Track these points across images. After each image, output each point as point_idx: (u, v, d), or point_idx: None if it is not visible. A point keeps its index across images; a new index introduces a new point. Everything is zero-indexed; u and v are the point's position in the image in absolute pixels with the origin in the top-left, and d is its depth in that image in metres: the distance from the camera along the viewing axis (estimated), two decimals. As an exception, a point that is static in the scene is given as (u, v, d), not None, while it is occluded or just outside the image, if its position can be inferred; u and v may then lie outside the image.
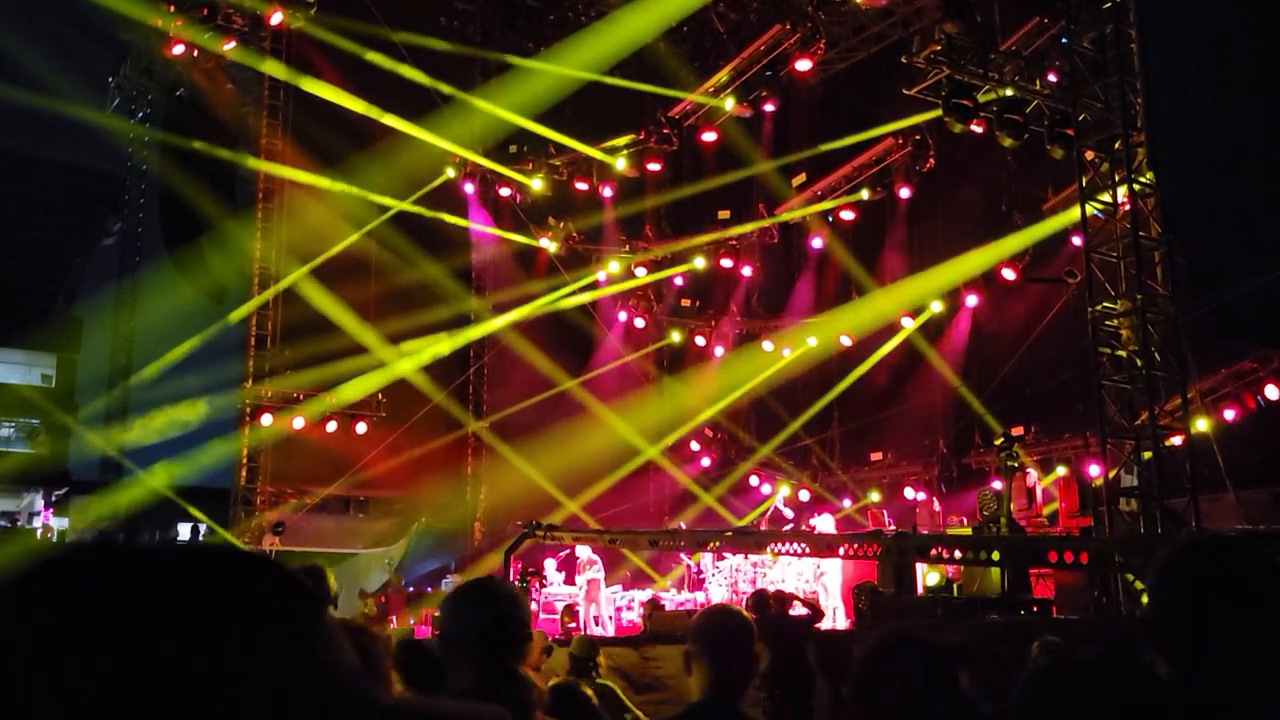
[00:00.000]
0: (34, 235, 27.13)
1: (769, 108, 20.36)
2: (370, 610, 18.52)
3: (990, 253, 20.26)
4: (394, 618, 18.27)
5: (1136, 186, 13.39)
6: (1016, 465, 16.52)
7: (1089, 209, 13.79)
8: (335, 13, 21.06)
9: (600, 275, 24.71)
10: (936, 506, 18.10)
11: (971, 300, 20.80)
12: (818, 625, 10.50)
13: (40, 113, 25.65)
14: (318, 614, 0.84)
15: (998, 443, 17.53)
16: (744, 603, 11.80)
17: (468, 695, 2.68)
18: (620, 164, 22.36)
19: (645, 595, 16.80)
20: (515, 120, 22.38)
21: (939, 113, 16.45)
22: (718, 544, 14.44)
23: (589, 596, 16.19)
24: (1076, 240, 16.14)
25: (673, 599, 16.62)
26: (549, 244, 24.34)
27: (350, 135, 22.05)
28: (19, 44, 23.59)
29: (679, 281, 25.14)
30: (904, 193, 21.08)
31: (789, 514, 17.91)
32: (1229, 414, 16.00)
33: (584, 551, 16.53)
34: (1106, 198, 13.66)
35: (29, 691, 0.74)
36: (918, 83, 16.95)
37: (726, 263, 24.16)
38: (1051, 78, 16.44)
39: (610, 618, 16.30)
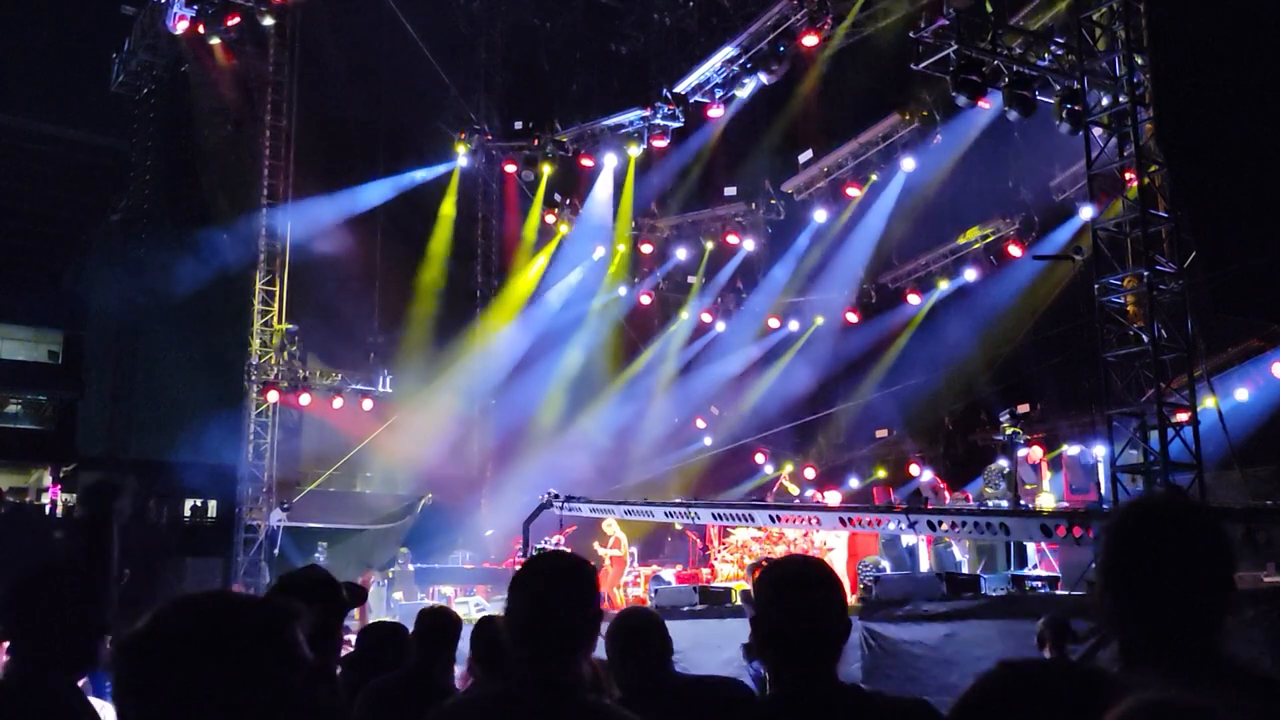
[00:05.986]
0: (40, 212, 27.14)
1: (770, 81, 20.19)
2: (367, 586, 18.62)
3: (997, 229, 20.22)
4: (400, 593, 18.40)
5: (1152, 168, 13.32)
6: (1022, 442, 16.53)
7: (1096, 184, 13.74)
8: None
9: (605, 253, 24.72)
10: (942, 484, 18.10)
11: (978, 276, 20.75)
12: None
13: (45, 88, 25.63)
14: None
15: (1003, 420, 17.55)
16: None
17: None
18: (626, 142, 22.26)
19: (649, 570, 16.88)
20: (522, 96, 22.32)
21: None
22: (771, 514, 14.29)
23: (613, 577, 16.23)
24: (1084, 216, 16.08)
25: (678, 573, 16.69)
26: (555, 222, 24.31)
27: (356, 112, 22.01)
28: (23, 20, 23.53)
29: (684, 258, 25.06)
30: (910, 168, 20.96)
31: (794, 489, 17.94)
32: (1235, 390, 15.98)
33: (612, 528, 16.33)
34: (1114, 172, 13.59)
35: None
36: (925, 58, 16.82)
37: (733, 239, 24.09)
38: (1060, 52, 16.32)
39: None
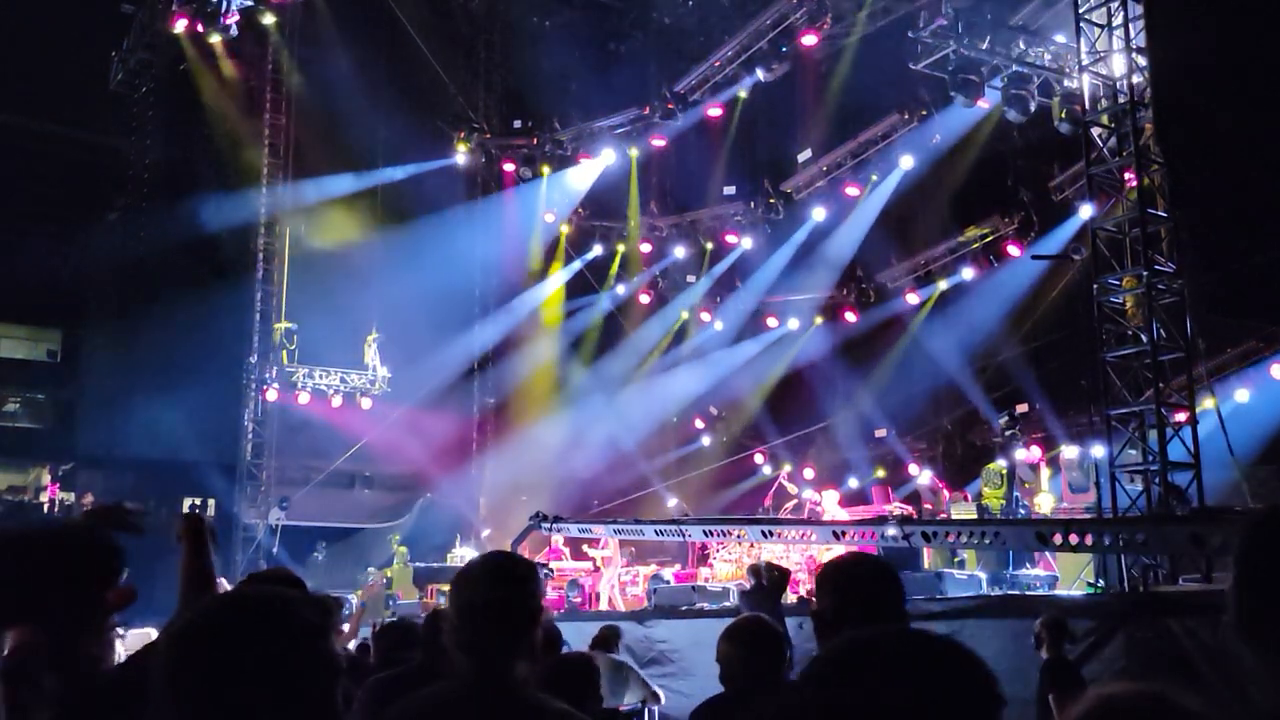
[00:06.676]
0: (38, 210, 27.10)
1: (769, 80, 20.18)
2: (374, 586, 18.61)
3: (996, 228, 20.21)
4: (400, 592, 18.39)
5: (1152, 167, 13.31)
6: (1021, 442, 16.54)
7: (1095, 184, 13.74)
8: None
9: (602, 251, 24.73)
10: (941, 484, 18.10)
11: (976, 275, 20.74)
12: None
13: (44, 87, 25.59)
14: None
15: (1002, 420, 17.55)
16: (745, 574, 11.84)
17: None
18: (626, 142, 22.26)
19: (649, 569, 16.87)
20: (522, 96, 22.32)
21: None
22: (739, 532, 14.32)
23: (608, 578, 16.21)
24: (1083, 216, 16.07)
25: (677, 572, 16.68)
26: (554, 220, 24.31)
27: (355, 111, 21.98)
28: (22, 19, 23.50)
29: (682, 256, 25.04)
30: (909, 166, 20.94)
31: (793, 489, 17.90)
32: (1235, 391, 15.99)
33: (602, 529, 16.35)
34: (1113, 172, 13.59)
35: None
36: (925, 57, 16.83)
37: (731, 238, 24.08)
38: (1059, 52, 16.33)
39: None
